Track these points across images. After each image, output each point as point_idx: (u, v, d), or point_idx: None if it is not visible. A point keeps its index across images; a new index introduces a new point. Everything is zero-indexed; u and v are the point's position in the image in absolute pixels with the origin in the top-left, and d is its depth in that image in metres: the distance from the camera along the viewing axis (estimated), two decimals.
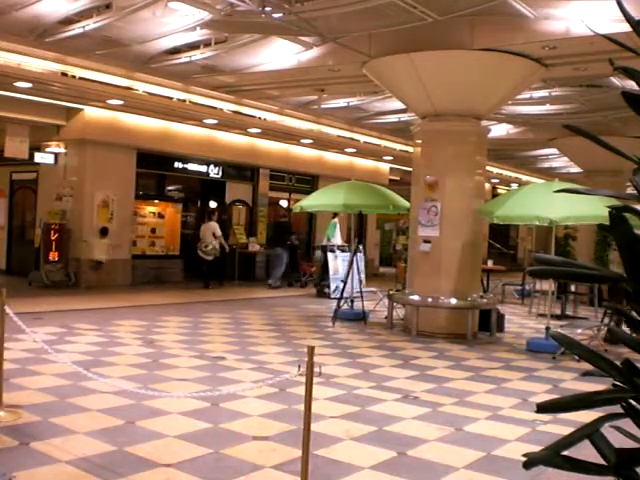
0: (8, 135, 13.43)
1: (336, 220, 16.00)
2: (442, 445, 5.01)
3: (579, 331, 9.88)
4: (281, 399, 5.97)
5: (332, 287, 14.32)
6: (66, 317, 10.02)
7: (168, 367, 7.10)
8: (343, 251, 14.91)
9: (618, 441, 1.64)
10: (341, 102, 14.69)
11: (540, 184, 12.57)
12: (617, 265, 14.28)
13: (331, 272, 14.56)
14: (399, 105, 13.18)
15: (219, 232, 14.99)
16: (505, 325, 11.04)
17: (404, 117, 15.21)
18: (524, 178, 26.38)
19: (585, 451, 1.74)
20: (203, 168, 16.70)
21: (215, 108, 14.07)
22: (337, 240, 15.72)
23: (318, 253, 16.05)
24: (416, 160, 10.90)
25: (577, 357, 2.68)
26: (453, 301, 9.98)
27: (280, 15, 8.74)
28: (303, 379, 3.70)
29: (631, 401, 1.54)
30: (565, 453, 1.56)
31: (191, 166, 16.41)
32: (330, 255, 14.77)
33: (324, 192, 12.77)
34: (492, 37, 9.26)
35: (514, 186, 25.65)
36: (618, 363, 1.55)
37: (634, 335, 1.64)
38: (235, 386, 6.19)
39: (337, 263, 14.70)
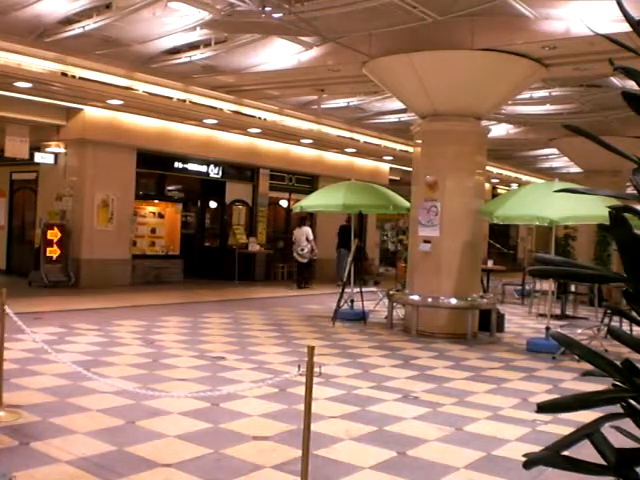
0: (8, 135, 13.43)
1: None
2: (442, 445, 5.01)
3: (579, 331, 9.88)
4: (281, 399, 5.97)
5: None
6: (66, 317, 10.02)
7: (168, 367, 7.10)
8: None
9: (618, 441, 1.64)
10: (341, 102, 14.68)
11: (540, 184, 12.57)
12: (617, 265, 14.30)
13: None
14: (399, 105, 13.18)
15: (311, 236, 16.23)
16: (505, 325, 11.05)
17: (404, 117, 15.21)
18: (524, 178, 26.37)
19: (585, 451, 1.73)
20: (203, 168, 16.70)
21: (215, 108, 14.06)
22: None
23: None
24: (416, 160, 10.89)
25: (577, 357, 2.68)
26: (453, 301, 9.97)
27: (280, 15, 8.75)
28: (303, 379, 3.70)
29: (631, 401, 1.54)
30: (565, 453, 1.56)
31: (191, 166, 16.41)
32: None
33: (324, 192, 12.77)
34: (492, 37, 9.26)
35: (514, 186, 25.65)
36: (618, 363, 1.55)
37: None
38: (235, 386, 6.19)
39: None
